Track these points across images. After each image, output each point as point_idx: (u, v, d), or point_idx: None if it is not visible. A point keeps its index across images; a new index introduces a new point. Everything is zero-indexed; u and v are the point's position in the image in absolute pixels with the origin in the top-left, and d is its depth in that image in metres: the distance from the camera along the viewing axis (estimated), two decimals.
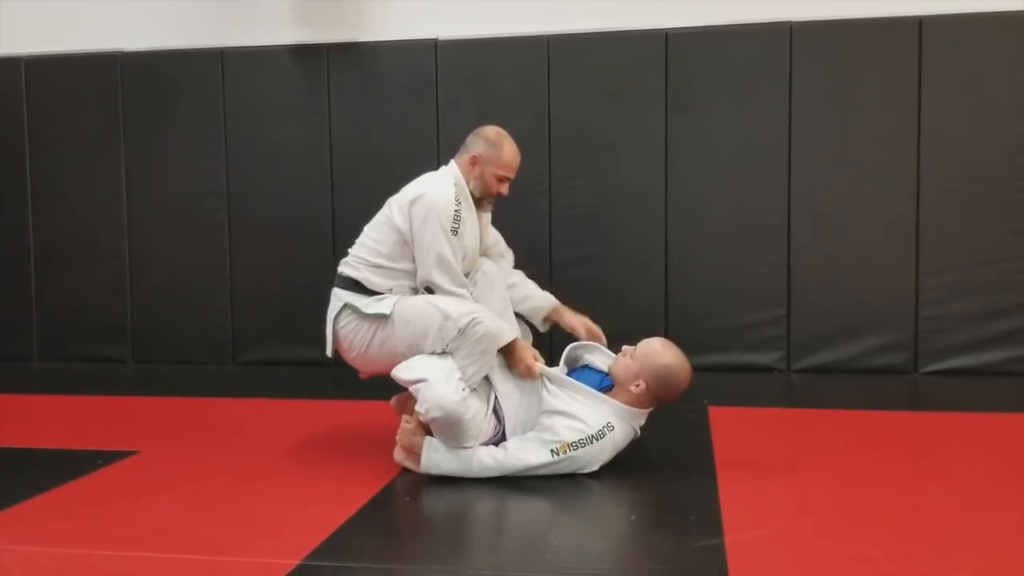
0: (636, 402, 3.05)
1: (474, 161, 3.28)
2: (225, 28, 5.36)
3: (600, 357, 3.28)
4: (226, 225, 5.38)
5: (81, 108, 5.48)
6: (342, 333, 3.28)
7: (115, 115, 5.44)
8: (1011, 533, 2.54)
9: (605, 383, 3.12)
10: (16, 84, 5.52)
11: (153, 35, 5.42)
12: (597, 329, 3.43)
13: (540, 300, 3.53)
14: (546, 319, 3.52)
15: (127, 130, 5.45)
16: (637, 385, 3.02)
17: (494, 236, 3.56)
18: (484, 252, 3.46)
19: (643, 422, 3.12)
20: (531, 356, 3.14)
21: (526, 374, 3.11)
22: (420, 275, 3.20)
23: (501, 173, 3.29)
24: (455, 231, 3.16)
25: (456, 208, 3.17)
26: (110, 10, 5.46)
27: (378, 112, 5.20)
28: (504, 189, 3.33)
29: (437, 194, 3.19)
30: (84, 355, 5.52)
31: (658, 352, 3.06)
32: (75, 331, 5.55)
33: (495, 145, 3.29)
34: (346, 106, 5.23)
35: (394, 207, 3.26)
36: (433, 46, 5.13)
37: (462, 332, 3.04)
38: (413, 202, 3.19)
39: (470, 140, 3.34)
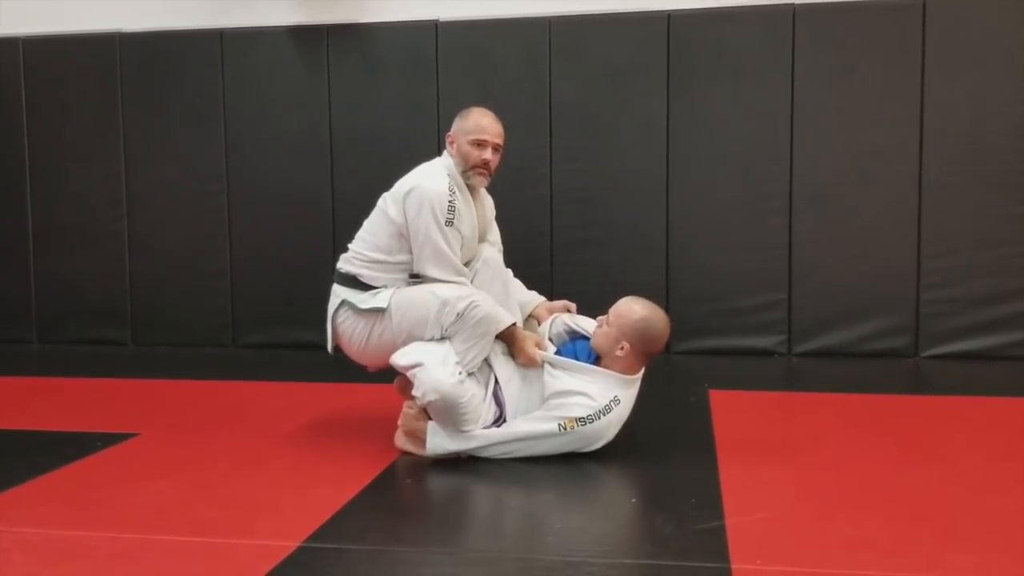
0: (628, 367, 3.04)
1: (451, 140, 3.29)
2: (224, 9, 5.33)
3: (581, 322, 3.28)
4: (225, 207, 5.36)
5: (80, 89, 5.46)
6: (341, 329, 3.28)
7: (114, 96, 5.42)
8: (1012, 516, 2.53)
9: (594, 355, 3.11)
10: (14, 65, 5.50)
11: (152, 15, 5.39)
12: (562, 305, 3.42)
13: (530, 297, 3.49)
14: (530, 316, 3.48)
15: (126, 111, 5.42)
16: (622, 348, 3.01)
17: (495, 234, 3.53)
18: (484, 239, 3.44)
19: (638, 387, 3.11)
20: (532, 344, 3.12)
21: (528, 363, 3.10)
22: (416, 267, 3.19)
23: (472, 137, 3.23)
24: (450, 222, 3.13)
25: (451, 199, 3.14)
26: None
27: (378, 93, 5.17)
28: (487, 155, 3.25)
29: (430, 185, 3.16)
30: (83, 337, 5.52)
31: (631, 309, 3.05)
32: (74, 313, 5.55)
33: (463, 116, 3.30)
34: (346, 87, 5.20)
35: (389, 200, 3.24)
36: (434, 27, 5.10)
37: (460, 316, 3.03)
38: (407, 194, 3.16)
39: None
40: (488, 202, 3.48)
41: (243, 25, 5.29)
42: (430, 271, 3.15)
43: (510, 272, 3.49)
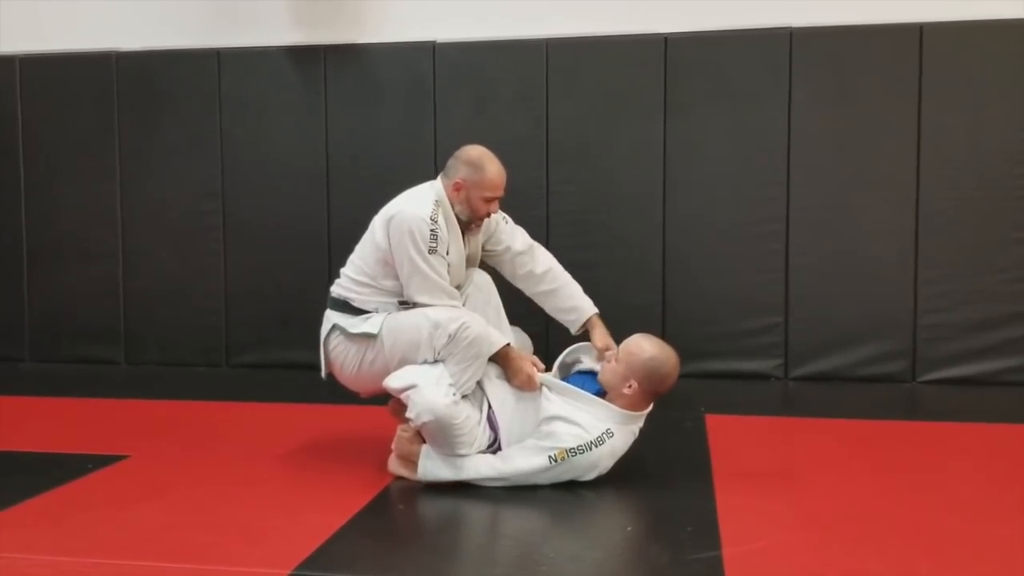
0: (633, 404, 3.01)
1: (458, 187, 3.18)
2: (222, 28, 5.32)
3: (593, 357, 3.26)
4: (220, 227, 5.34)
5: (76, 108, 5.44)
6: (332, 355, 3.26)
7: (110, 115, 5.41)
8: (1013, 547, 2.51)
9: (600, 390, 3.08)
10: (10, 83, 5.48)
11: (149, 35, 5.38)
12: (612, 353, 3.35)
13: (583, 308, 3.40)
14: (582, 326, 3.40)
15: (122, 130, 5.41)
16: (629, 386, 2.98)
17: (518, 235, 3.44)
18: (474, 264, 3.40)
19: (642, 424, 3.08)
20: (531, 366, 3.10)
21: (526, 384, 3.07)
22: (406, 295, 3.16)
23: (488, 195, 3.18)
24: (433, 250, 3.09)
25: (432, 228, 3.09)
26: (106, 9, 5.43)
27: (375, 114, 5.16)
28: (494, 208, 3.23)
29: (412, 211, 3.11)
30: (76, 356, 5.48)
31: (641, 347, 3.02)
32: (67, 332, 5.51)
33: (477, 167, 3.17)
34: (343, 108, 5.20)
35: (377, 224, 3.21)
36: (431, 48, 5.10)
37: (452, 338, 3.01)
38: (390, 220, 3.14)
39: (451, 164, 3.23)
40: (501, 220, 3.42)
41: (240, 45, 5.28)
42: (420, 298, 3.12)
43: (568, 275, 3.44)
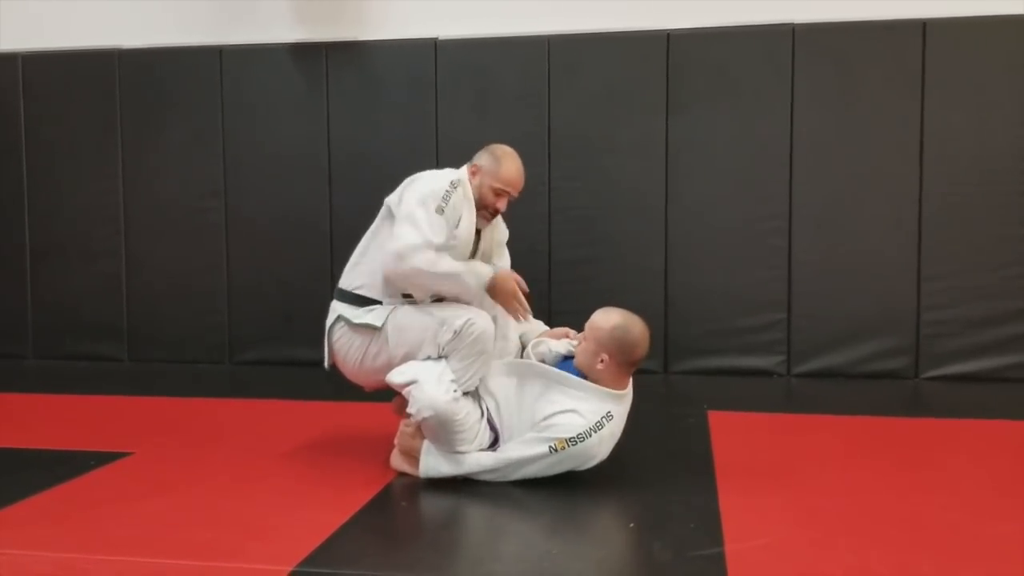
0: (613, 380, 3.00)
1: (474, 171, 3.24)
2: (224, 26, 5.33)
3: (561, 345, 3.25)
4: (223, 224, 5.35)
5: (78, 105, 5.45)
6: (336, 346, 3.27)
7: (113, 113, 5.41)
8: (1016, 544, 2.50)
9: (580, 375, 3.08)
10: (13, 81, 5.49)
11: (151, 32, 5.39)
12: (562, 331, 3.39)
13: (538, 322, 3.47)
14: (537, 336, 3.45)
15: (124, 128, 5.41)
16: (601, 361, 2.97)
17: (505, 260, 3.51)
18: (488, 262, 3.41)
19: (630, 402, 3.07)
20: (515, 285, 3.15)
21: (518, 312, 3.13)
22: (394, 234, 3.09)
23: (498, 186, 3.22)
24: (440, 209, 3.09)
25: (448, 190, 3.12)
26: (108, 7, 5.44)
27: (377, 111, 5.16)
28: (501, 204, 3.26)
29: (431, 176, 3.21)
30: (80, 353, 5.49)
31: (603, 319, 3.02)
32: (71, 329, 5.52)
33: (497, 159, 3.24)
34: (345, 105, 5.20)
35: (393, 195, 3.24)
36: (433, 45, 5.10)
37: (457, 334, 3.01)
38: (409, 183, 3.21)
39: (478, 153, 3.30)
40: (501, 226, 3.46)
41: (243, 42, 5.29)
42: (400, 241, 3.04)
43: None
